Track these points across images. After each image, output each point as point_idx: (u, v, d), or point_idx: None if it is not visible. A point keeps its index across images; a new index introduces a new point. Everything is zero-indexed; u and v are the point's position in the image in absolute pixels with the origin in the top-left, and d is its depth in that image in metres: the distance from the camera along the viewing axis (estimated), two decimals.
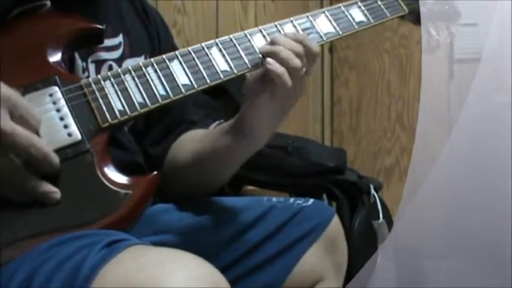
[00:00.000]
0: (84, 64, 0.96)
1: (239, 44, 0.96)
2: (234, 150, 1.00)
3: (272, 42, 0.94)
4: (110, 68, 0.99)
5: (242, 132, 0.98)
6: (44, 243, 0.74)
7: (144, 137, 1.09)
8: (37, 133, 0.78)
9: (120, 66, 1.00)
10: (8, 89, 0.76)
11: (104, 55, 0.99)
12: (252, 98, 0.96)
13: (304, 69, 0.93)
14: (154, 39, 1.11)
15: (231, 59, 0.94)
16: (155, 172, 0.85)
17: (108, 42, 0.99)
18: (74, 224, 0.77)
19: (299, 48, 0.93)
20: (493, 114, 1.40)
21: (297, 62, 0.92)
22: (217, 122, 1.11)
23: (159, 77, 0.90)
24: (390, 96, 2.68)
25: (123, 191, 0.81)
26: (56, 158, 0.78)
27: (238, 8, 2.28)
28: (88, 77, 0.95)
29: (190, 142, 1.08)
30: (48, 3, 0.93)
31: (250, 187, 1.77)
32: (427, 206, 1.40)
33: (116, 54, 1.01)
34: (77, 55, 0.95)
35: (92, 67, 0.98)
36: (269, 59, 0.92)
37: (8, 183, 0.76)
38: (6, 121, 0.74)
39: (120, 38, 1.03)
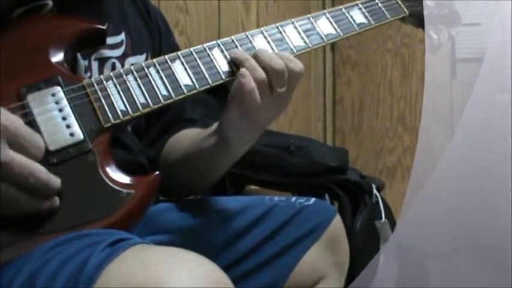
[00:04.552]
0: (87, 62, 0.96)
1: (241, 45, 0.96)
2: (215, 154, 0.99)
3: (253, 56, 0.92)
4: (113, 65, 1.00)
5: (220, 138, 0.98)
6: (46, 242, 0.74)
7: (144, 136, 1.10)
8: (40, 158, 0.77)
9: (122, 63, 1.01)
10: (7, 118, 0.74)
11: (106, 52, 0.99)
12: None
13: (282, 88, 0.91)
14: (155, 38, 1.12)
15: None
16: (157, 172, 0.85)
17: (110, 40, 0.99)
18: (76, 224, 0.77)
19: (281, 65, 0.91)
20: (496, 114, 1.40)
21: (265, 82, 0.90)
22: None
23: (161, 78, 0.90)
24: (392, 95, 2.68)
25: (125, 190, 0.81)
26: (57, 182, 0.77)
27: (240, 7, 2.28)
28: (91, 74, 0.96)
29: (181, 140, 1.09)
30: (50, 3, 0.93)
31: (252, 186, 1.77)
32: (429, 205, 1.40)
33: (119, 52, 1.02)
34: (79, 55, 0.95)
35: (94, 64, 0.98)
36: (243, 71, 0.91)
37: (11, 208, 0.74)
38: (4, 152, 0.72)
39: (122, 36, 1.03)
